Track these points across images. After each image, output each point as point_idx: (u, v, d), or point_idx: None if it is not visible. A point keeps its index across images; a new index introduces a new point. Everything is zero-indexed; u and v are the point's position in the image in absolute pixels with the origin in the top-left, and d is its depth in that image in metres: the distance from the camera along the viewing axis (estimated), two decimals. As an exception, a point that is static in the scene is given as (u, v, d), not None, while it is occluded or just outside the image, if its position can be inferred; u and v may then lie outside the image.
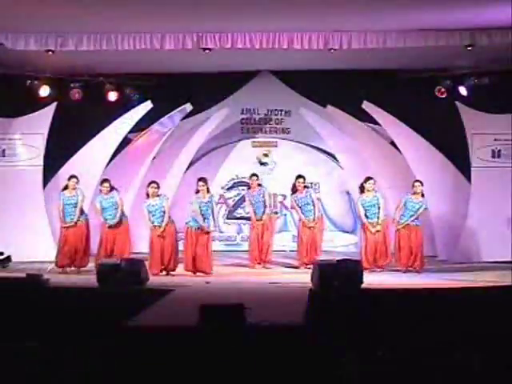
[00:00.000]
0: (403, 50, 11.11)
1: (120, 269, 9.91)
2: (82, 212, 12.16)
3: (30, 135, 13.51)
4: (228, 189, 14.96)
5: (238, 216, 14.90)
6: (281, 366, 6.29)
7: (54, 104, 13.35)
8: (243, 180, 14.51)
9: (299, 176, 12.56)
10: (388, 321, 7.96)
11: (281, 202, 14.78)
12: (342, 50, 10.98)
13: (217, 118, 14.36)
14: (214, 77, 13.67)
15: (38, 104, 13.34)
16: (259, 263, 12.50)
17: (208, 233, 11.74)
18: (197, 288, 10.29)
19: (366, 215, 12.09)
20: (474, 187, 13.19)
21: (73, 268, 12.03)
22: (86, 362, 6.17)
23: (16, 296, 8.76)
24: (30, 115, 13.43)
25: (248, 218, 13.54)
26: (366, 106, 13.65)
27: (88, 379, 6.02)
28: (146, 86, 13.81)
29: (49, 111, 13.40)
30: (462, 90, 12.93)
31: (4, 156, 13.53)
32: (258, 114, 14.94)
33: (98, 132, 13.83)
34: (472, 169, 13.23)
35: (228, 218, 15.00)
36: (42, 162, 13.47)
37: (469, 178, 13.32)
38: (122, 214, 12.14)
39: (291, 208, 13.67)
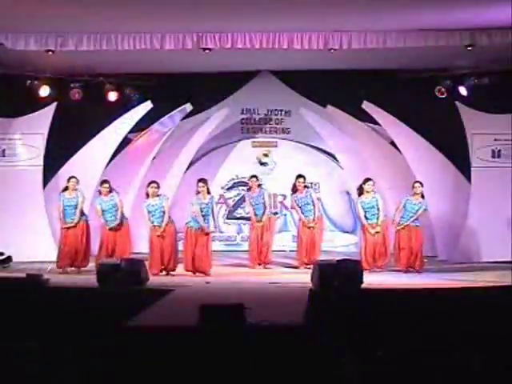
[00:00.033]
0: (403, 50, 11.12)
1: (120, 269, 9.91)
2: (82, 213, 12.16)
3: (30, 135, 13.51)
4: (228, 189, 14.96)
5: (238, 216, 14.91)
6: (281, 366, 6.29)
7: (54, 104, 13.35)
8: (243, 180, 14.51)
9: (299, 176, 12.56)
10: (388, 321, 7.95)
11: (281, 202, 14.79)
12: (342, 50, 10.98)
13: (217, 117, 14.36)
14: (214, 77, 13.67)
15: (38, 104, 13.34)
16: (259, 264, 12.50)
17: (208, 233, 11.74)
18: (197, 288, 10.29)
19: (365, 216, 12.10)
20: (474, 187, 13.19)
21: (73, 268, 12.04)
22: (85, 362, 6.17)
23: (16, 296, 8.76)
24: (30, 115, 13.44)
25: (248, 218, 13.54)
26: (366, 106, 13.65)
27: (88, 379, 6.01)
28: (145, 86, 13.81)
29: (49, 111, 13.40)
30: (462, 90, 12.93)
31: (4, 156, 13.53)
32: (258, 113, 14.94)
33: (98, 132, 13.83)
34: (472, 169, 13.23)
35: (228, 218, 15.00)
36: (41, 162, 13.48)
37: (469, 178, 13.32)
38: (122, 215, 12.14)
39: (291, 208, 13.66)
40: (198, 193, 11.78)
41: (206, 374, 6.23)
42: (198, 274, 11.62)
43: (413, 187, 12.13)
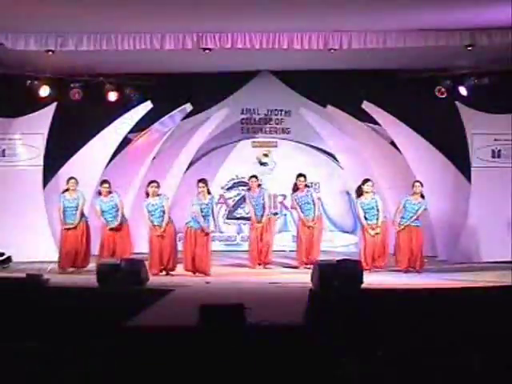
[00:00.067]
0: (403, 50, 11.12)
1: (120, 269, 9.91)
2: (82, 215, 12.16)
3: (30, 135, 13.50)
4: (228, 189, 14.96)
5: (238, 216, 14.90)
6: (281, 366, 6.29)
7: (54, 104, 13.35)
8: (243, 180, 14.50)
9: (300, 175, 12.55)
10: (388, 321, 7.95)
11: (281, 202, 14.79)
12: (342, 50, 10.98)
13: (217, 118, 14.36)
14: (214, 77, 13.67)
15: (38, 104, 13.33)
16: (259, 264, 12.49)
17: (208, 234, 11.73)
18: (197, 288, 10.29)
19: (365, 217, 12.09)
20: (474, 187, 13.19)
21: (73, 268, 12.04)
22: (86, 362, 6.17)
23: (16, 296, 8.76)
24: (30, 115, 13.43)
25: (248, 218, 13.54)
26: (366, 106, 13.65)
27: (88, 379, 6.01)
28: (145, 86, 13.80)
29: (49, 111, 13.40)
30: (462, 90, 12.93)
31: (4, 156, 13.52)
32: (258, 114, 14.94)
33: (97, 132, 13.82)
34: (472, 169, 13.23)
35: (228, 218, 15.00)
36: (41, 162, 13.47)
37: (469, 178, 13.32)
38: (123, 216, 12.13)
39: (291, 208, 13.67)
40: (199, 193, 11.77)
41: (206, 374, 6.23)
42: (197, 274, 11.61)
43: (412, 186, 12.13)
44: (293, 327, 6.86)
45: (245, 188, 13.82)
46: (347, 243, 14.64)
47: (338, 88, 13.69)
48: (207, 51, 11.04)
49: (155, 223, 11.72)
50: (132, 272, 9.92)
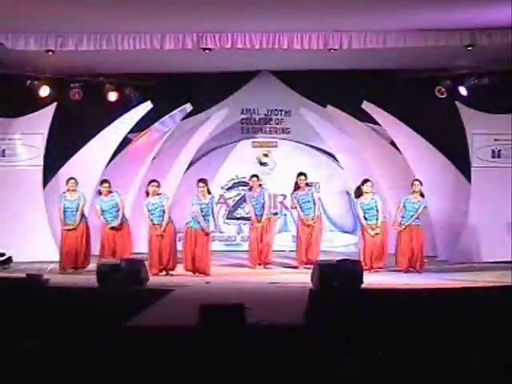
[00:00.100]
0: (403, 50, 11.12)
1: (120, 269, 9.91)
2: (82, 215, 12.16)
3: (30, 135, 13.50)
4: (228, 189, 14.96)
5: (238, 216, 14.91)
6: (281, 366, 6.29)
7: (54, 104, 13.35)
8: (243, 180, 14.51)
9: (301, 173, 12.54)
10: (388, 321, 7.95)
11: (281, 202, 14.79)
12: (342, 50, 10.99)
13: (217, 118, 14.36)
14: (214, 77, 13.67)
15: (38, 104, 13.34)
16: (259, 264, 12.49)
17: (208, 233, 11.73)
18: (197, 288, 10.29)
19: (364, 217, 12.09)
20: (474, 187, 13.19)
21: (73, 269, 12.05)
22: (85, 362, 6.17)
23: (16, 296, 8.76)
24: (30, 115, 13.43)
25: (248, 218, 13.53)
26: (366, 106, 13.65)
27: (88, 379, 6.01)
28: (145, 86, 13.81)
29: (49, 111, 13.40)
30: (462, 90, 12.93)
31: (4, 156, 13.52)
32: (258, 114, 14.95)
33: (97, 132, 13.82)
34: (472, 169, 13.23)
35: (228, 218, 15.00)
36: (41, 162, 13.47)
37: (469, 178, 13.32)
38: (123, 216, 12.13)
39: (291, 207, 13.67)
40: (199, 193, 11.77)
41: (206, 374, 6.23)
42: (197, 274, 11.61)
43: (412, 185, 12.13)
44: (293, 327, 6.86)
45: (245, 188, 13.82)
46: (347, 243, 14.64)
47: (338, 88, 13.69)
48: (207, 51, 11.05)
49: (155, 222, 11.72)
50: (132, 272, 9.92)
